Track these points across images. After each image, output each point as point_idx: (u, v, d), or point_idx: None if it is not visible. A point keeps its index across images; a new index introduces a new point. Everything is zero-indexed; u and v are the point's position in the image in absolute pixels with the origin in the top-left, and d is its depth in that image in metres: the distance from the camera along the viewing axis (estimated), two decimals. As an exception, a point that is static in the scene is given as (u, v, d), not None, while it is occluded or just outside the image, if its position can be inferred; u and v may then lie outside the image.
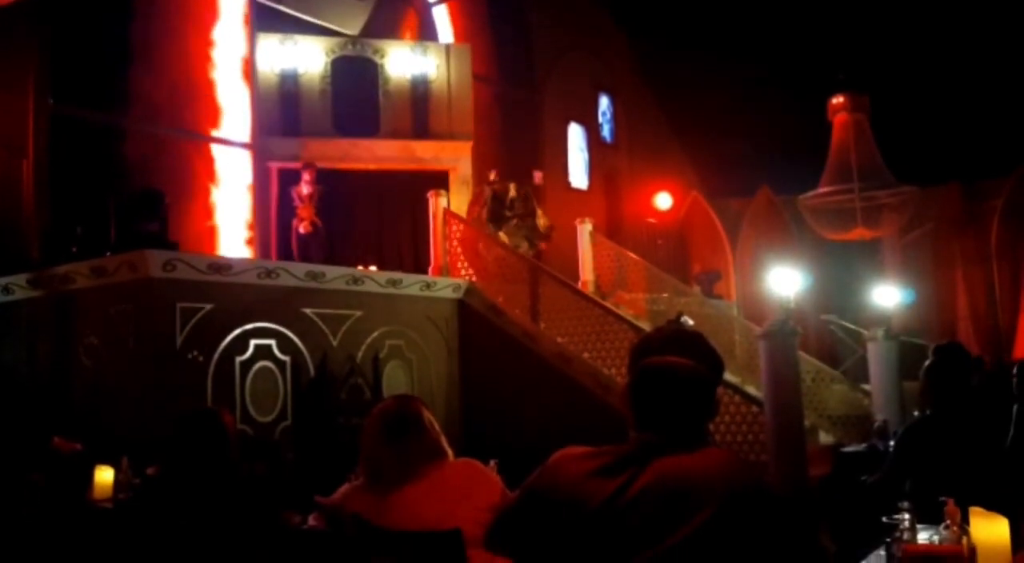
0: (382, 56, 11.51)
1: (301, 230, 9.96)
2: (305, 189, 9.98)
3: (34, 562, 4.22)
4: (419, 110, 11.52)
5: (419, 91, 11.56)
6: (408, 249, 11.03)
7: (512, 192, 10.41)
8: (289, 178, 10.42)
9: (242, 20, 10.48)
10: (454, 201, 10.46)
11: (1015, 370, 3.72)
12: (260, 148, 10.66)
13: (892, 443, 4.37)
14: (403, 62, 11.58)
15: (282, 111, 11.19)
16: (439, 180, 10.82)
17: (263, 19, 11.07)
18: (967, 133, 13.47)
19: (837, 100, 12.39)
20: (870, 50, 14.20)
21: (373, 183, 11.28)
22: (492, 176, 10.57)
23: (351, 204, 10.98)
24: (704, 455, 1.89)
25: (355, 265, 8.80)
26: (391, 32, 12.49)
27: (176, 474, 3.66)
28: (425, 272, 9.19)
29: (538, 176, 11.69)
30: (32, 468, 4.68)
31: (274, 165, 10.72)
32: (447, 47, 12.05)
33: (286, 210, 10.34)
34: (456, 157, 11.57)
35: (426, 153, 11.49)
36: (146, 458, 4.40)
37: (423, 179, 10.78)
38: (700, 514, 1.78)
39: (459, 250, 9.46)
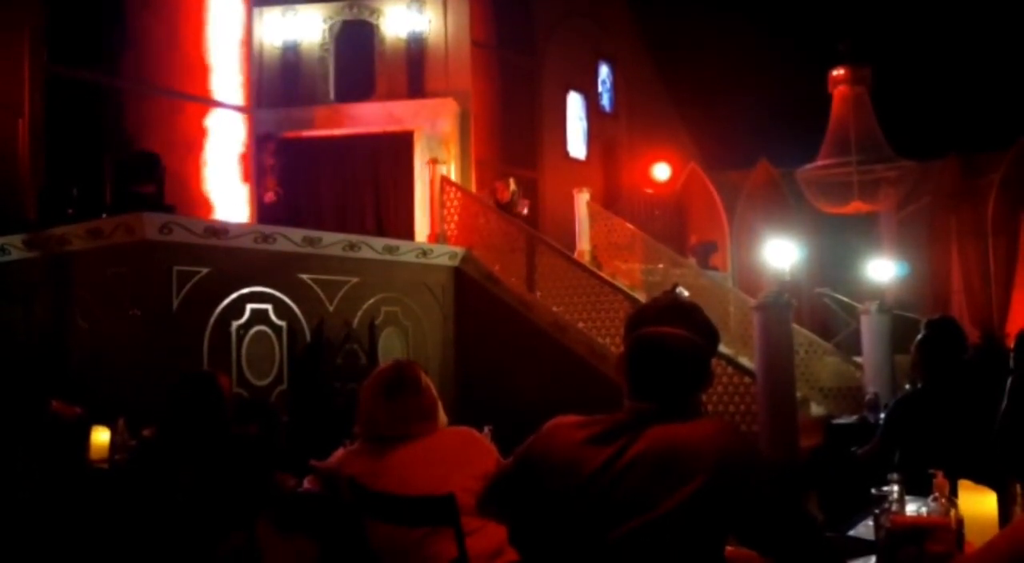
0: (379, 16, 11.38)
1: (265, 200, 10.10)
2: (267, 160, 10.07)
3: (34, 525, 4.25)
4: (414, 69, 11.22)
5: (414, 49, 11.26)
6: (371, 214, 10.71)
7: (516, 192, 10.40)
8: (281, 146, 10.43)
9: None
10: (422, 161, 10.23)
11: (1015, 342, 3.73)
12: (258, 118, 10.61)
13: (883, 416, 4.41)
14: (399, 20, 11.31)
15: (283, 82, 11.29)
16: (403, 141, 10.47)
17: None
18: (966, 106, 13.43)
19: (838, 72, 12.32)
20: (871, 22, 14.11)
21: (337, 149, 10.91)
22: (512, 185, 10.43)
23: (317, 172, 10.75)
24: (697, 424, 1.91)
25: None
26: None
27: (172, 435, 3.69)
28: (387, 236, 9.07)
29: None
30: (30, 431, 4.70)
31: (268, 133, 10.66)
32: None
33: (286, 178, 10.40)
34: (436, 115, 10.89)
35: (405, 113, 10.90)
36: (142, 419, 4.43)
37: (386, 142, 10.56)
38: (692, 482, 1.80)
39: (456, 218, 9.45)
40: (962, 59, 13.80)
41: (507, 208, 9.93)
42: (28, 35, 8.29)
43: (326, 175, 10.80)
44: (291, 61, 11.33)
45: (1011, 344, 3.93)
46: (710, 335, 2.02)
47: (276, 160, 10.12)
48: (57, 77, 8.45)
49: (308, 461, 3.17)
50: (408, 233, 9.88)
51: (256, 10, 11.41)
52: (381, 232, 9.44)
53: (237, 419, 4.14)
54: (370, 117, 10.86)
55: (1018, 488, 2.26)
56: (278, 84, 11.34)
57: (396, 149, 10.38)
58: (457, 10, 11.35)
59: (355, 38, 11.40)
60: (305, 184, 10.58)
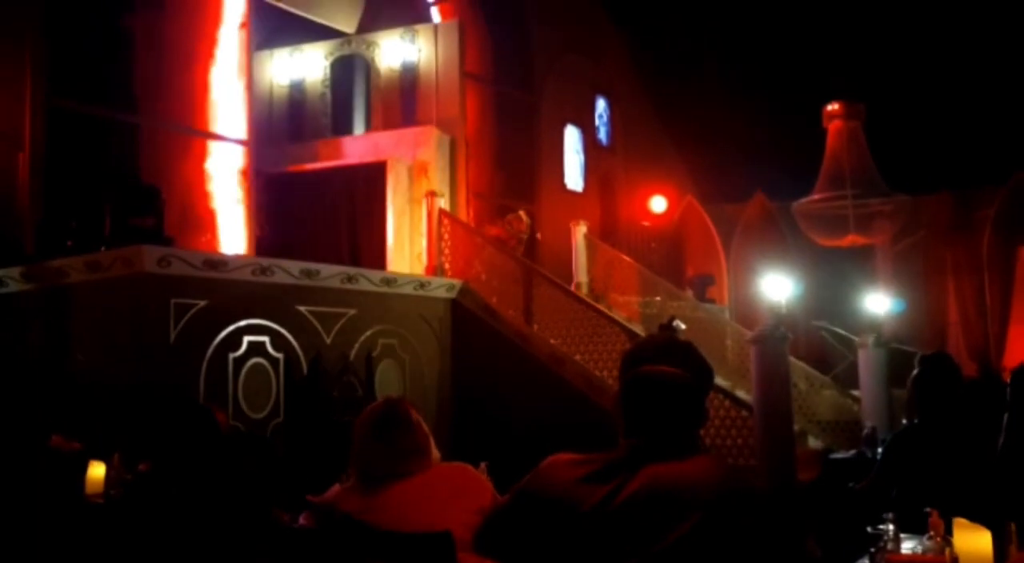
0: (375, 49, 11.50)
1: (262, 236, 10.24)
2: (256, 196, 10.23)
3: (31, 559, 4.23)
4: (407, 100, 11.27)
5: (407, 80, 11.30)
6: (345, 244, 10.52)
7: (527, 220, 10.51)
8: (269, 182, 10.53)
9: (241, 17, 10.46)
10: (400, 192, 10.17)
11: (1011, 378, 3.74)
12: (264, 154, 10.71)
13: (880, 451, 4.41)
14: (393, 52, 11.41)
15: (289, 119, 11.64)
16: (377, 171, 10.30)
17: (262, 17, 11.12)
18: (959, 142, 13.54)
19: (832, 107, 12.43)
20: (865, 58, 14.28)
21: (316, 182, 10.83)
22: (524, 217, 10.51)
23: (298, 205, 10.71)
24: (693, 462, 1.92)
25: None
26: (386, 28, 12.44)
27: (167, 471, 3.69)
28: (361, 266, 8.98)
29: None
30: (30, 465, 4.69)
31: (267, 169, 10.75)
32: (435, 27, 11.49)
33: (273, 213, 10.47)
34: (415, 144, 10.66)
35: (388, 143, 10.76)
36: (138, 453, 4.42)
37: (361, 173, 10.46)
38: (689, 520, 1.81)
39: (449, 247, 9.48)
40: (955, 95, 13.95)
41: (525, 240, 10.08)
42: (30, 68, 8.34)
43: (305, 208, 10.75)
44: (297, 99, 11.68)
45: (1008, 378, 3.95)
46: (705, 373, 2.04)
47: (264, 195, 10.23)
48: (58, 110, 8.49)
49: (304, 497, 3.16)
50: (380, 263, 9.84)
51: (267, 51, 11.79)
52: (355, 262, 9.36)
53: (233, 453, 4.13)
54: (359, 149, 10.89)
55: (1013, 527, 2.27)
56: (285, 121, 11.68)
57: (370, 179, 10.34)
58: (447, 39, 11.30)
59: (352, 72, 11.57)
60: (286, 218, 10.59)
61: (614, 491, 1.90)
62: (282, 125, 11.74)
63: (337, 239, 10.48)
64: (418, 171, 10.42)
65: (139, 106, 9.35)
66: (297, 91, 11.72)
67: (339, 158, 10.87)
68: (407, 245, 10.19)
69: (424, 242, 9.86)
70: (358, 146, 10.90)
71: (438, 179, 10.47)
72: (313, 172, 10.77)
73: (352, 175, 10.55)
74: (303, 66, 11.79)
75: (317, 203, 10.65)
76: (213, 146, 10.00)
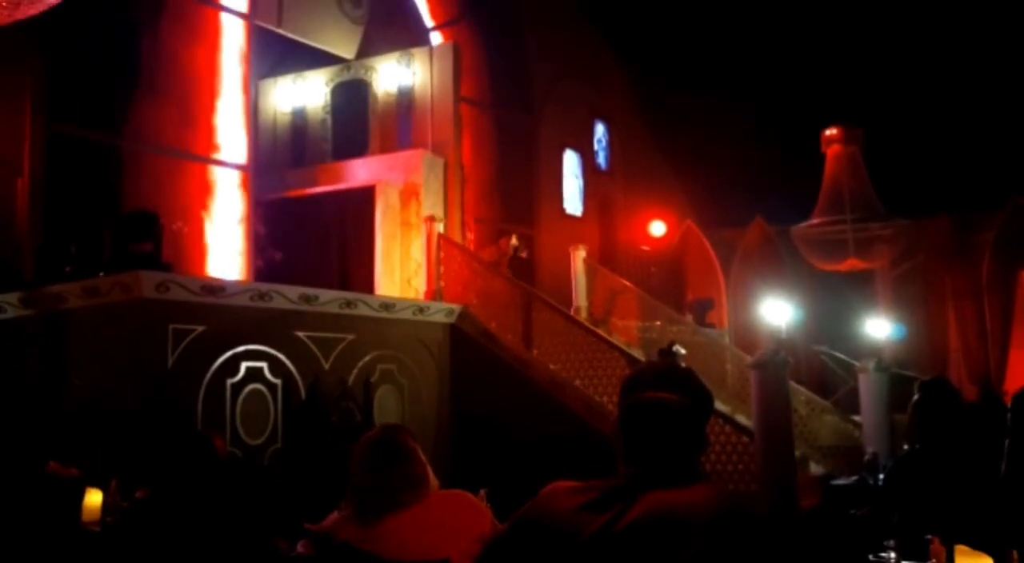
0: (373, 74, 11.57)
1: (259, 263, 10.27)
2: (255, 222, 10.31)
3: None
4: (403, 124, 11.32)
5: (403, 104, 11.35)
6: (335, 268, 10.60)
7: (515, 244, 10.52)
8: (276, 207, 10.56)
9: (242, 43, 10.53)
10: (390, 216, 10.12)
11: (1011, 404, 3.72)
12: (268, 180, 10.77)
13: (882, 477, 4.38)
14: (390, 76, 11.48)
15: (292, 145, 11.77)
16: (366, 195, 10.33)
17: (267, 46, 11.25)
18: (957, 167, 13.59)
19: (831, 132, 12.48)
20: (863, 83, 14.36)
21: (309, 207, 10.92)
22: (514, 240, 10.55)
23: (292, 231, 10.74)
24: (693, 490, 1.90)
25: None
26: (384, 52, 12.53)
27: (165, 498, 3.66)
28: (351, 289, 8.99)
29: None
30: (28, 491, 4.66)
31: (266, 196, 10.79)
32: (430, 50, 11.52)
33: (270, 238, 10.51)
34: (405, 168, 10.61)
35: (380, 167, 10.75)
36: (136, 480, 4.39)
37: (351, 197, 10.50)
38: (688, 549, 1.79)
39: (447, 271, 9.48)
40: (953, 120, 14.02)
41: (513, 257, 10.08)
42: (30, 94, 8.39)
43: (299, 233, 10.79)
44: (299, 125, 11.82)
45: (1009, 402, 3.93)
46: (705, 400, 2.02)
47: (262, 221, 10.28)
48: (58, 136, 8.53)
49: (303, 524, 3.13)
50: (368, 287, 9.80)
51: (271, 80, 11.96)
52: (344, 286, 9.33)
53: (231, 481, 4.11)
54: (354, 175, 10.90)
55: (1015, 554, 2.25)
56: (288, 148, 11.79)
57: (359, 204, 10.34)
58: (442, 62, 11.32)
59: (352, 97, 11.63)
60: (282, 243, 10.61)
61: (614, 519, 1.89)
62: (285, 151, 11.84)
63: (327, 263, 10.49)
64: (408, 195, 10.40)
65: (138, 133, 9.39)
66: (299, 118, 11.85)
67: (337, 183, 10.90)
68: (397, 269, 10.15)
69: (414, 266, 9.88)
70: (353, 171, 10.91)
71: (430, 202, 10.43)
72: (307, 197, 10.83)
73: (343, 200, 10.59)
74: (305, 93, 11.91)
75: (309, 228, 10.69)
76: (212, 171, 10.03)
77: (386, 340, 8.14)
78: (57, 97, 8.54)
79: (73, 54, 8.67)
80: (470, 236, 11.50)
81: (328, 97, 11.76)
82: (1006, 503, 3.27)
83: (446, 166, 10.94)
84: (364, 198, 10.29)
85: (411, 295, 9.71)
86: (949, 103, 14.08)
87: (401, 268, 10.15)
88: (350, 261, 10.39)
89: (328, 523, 3.00)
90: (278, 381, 7.10)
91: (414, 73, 11.34)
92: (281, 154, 11.82)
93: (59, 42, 8.43)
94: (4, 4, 4.64)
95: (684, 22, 15.41)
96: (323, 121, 11.70)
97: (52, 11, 5.90)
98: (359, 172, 10.77)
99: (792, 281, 13.32)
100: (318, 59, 11.91)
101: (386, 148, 11.18)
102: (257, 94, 11.98)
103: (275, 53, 11.68)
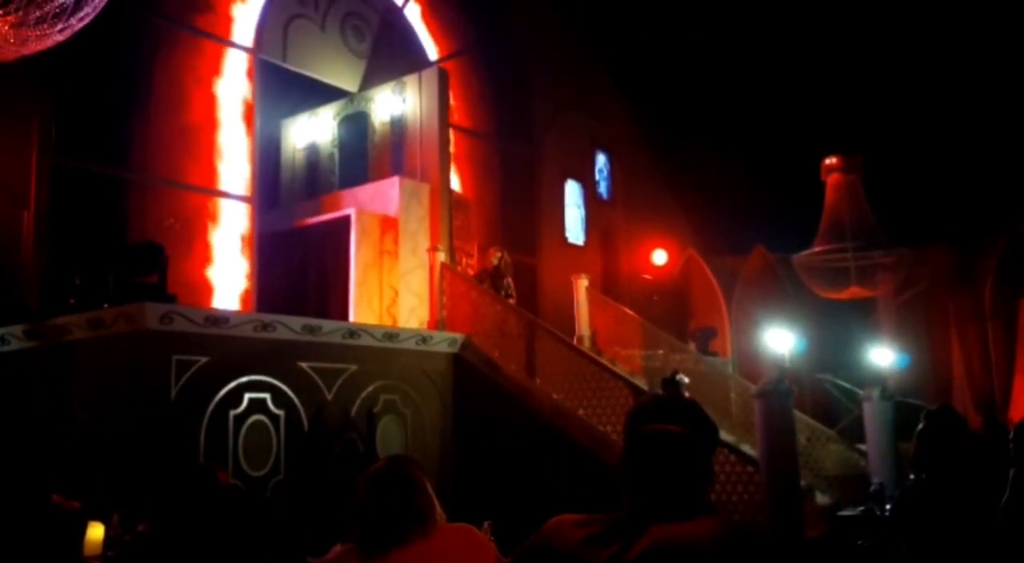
0: (372, 105, 11.65)
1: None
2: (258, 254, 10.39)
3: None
4: (397, 152, 11.30)
5: (396, 133, 11.34)
6: (314, 298, 10.38)
7: (502, 258, 10.49)
8: (270, 239, 10.61)
9: (245, 75, 10.63)
10: (368, 244, 10.04)
11: (1013, 434, 3.71)
12: (271, 214, 10.82)
13: (888, 507, 4.35)
14: (386, 106, 11.52)
15: (306, 178, 12.02)
16: (343, 226, 10.20)
17: (283, 83, 11.41)
18: (957, 193, 13.63)
19: (830, 160, 12.52)
20: (862, 111, 14.45)
21: (291, 239, 10.86)
22: (497, 252, 10.55)
23: (280, 262, 10.70)
24: (699, 523, 1.89)
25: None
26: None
27: (166, 531, 3.64)
28: (329, 318, 8.93)
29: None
30: (30, 524, 4.64)
31: (273, 228, 10.84)
32: (419, 77, 11.36)
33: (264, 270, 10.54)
34: (386, 196, 10.49)
35: (364, 195, 10.66)
36: (137, 513, 4.37)
37: (329, 227, 10.41)
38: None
39: (446, 300, 9.48)
40: (952, 147, 14.08)
41: (496, 276, 10.05)
42: (37, 127, 8.46)
43: (285, 264, 10.74)
44: (312, 159, 12.04)
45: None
46: (709, 432, 2.02)
47: (261, 253, 10.35)
48: (64, 168, 8.59)
49: (305, 557, 3.11)
50: (343, 314, 9.74)
51: (291, 118, 12.20)
52: (322, 315, 9.24)
53: (233, 514, 4.09)
54: (343, 204, 10.80)
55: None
56: (303, 182, 12.01)
57: (337, 233, 10.27)
58: (430, 88, 11.20)
59: (354, 129, 11.72)
60: (274, 274, 10.59)
61: (620, 552, 1.88)
62: (301, 185, 12.07)
63: (305, 293, 10.44)
64: (388, 223, 10.33)
65: (144, 165, 9.45)
66: (312, 152, 12.08)
67: (325, 213, 10.87)
68: (376, 298, 10.04)
69: (393, 295, 9.88)
70: (343, 202, 10.86)
71: (411, 229, 10.35)
72: (293, 230, 10.85)
73: (323, 230, 10.53)
74: (317, 128, 12.11)
75: (293, 259, 10.71)
76: (217, 204, 10.09)
77: (389, 370, 8.13)
78: (63, 130, 8.62)
79: (79, 88, 8.76)
80: (470, 262, 11.46)
81: (335, 131, 11.90)
82: (1009, 532, 3.26)
83: (432, 191, 10.79)
84: (341, 227, 10.23)
85: (389, 323, 9.65)
86: (947, 130, 14.15)
87: (380, 297, 10.07)
88: (328, 290, 10.35)
89: (331, 556, 2.97)
90: (281, 412, 7.09)
91: (404, 100, 11.34)
92: (298, 188, 12.06)
93: (65, 76, 8.52)
94: (12, 40, 4.70)
95: (684, 52, 15.54)
96: (331, 155, 11.89)
97: (59, 47, 5.98)
98: (346, 202, 10.78)
99: (795, 309, 13.32)
100: (331, 95, 12.06)
101: (383, 177, 11.14)
102: (279, 133, 12.31)
103: (297, 93, 11.86)
